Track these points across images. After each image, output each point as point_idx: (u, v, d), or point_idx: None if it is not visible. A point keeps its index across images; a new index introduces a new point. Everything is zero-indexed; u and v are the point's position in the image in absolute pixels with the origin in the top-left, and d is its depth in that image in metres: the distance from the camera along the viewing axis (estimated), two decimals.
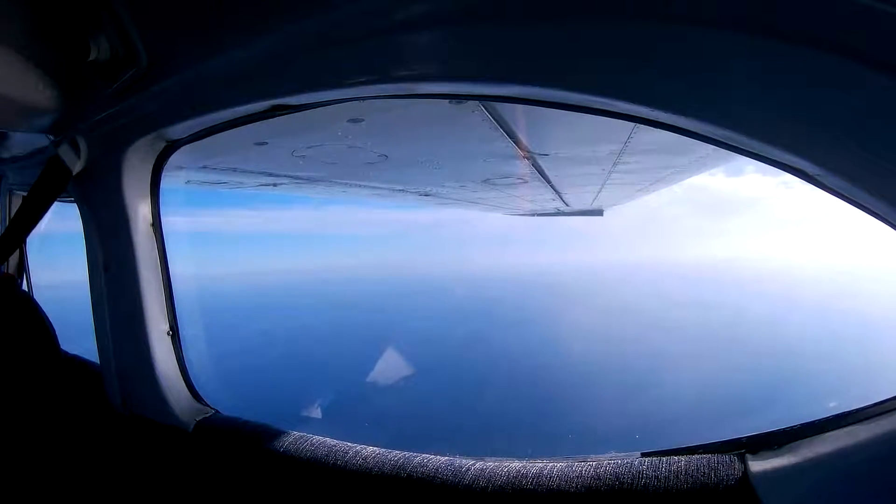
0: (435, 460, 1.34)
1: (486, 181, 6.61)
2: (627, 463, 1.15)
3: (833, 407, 0.96)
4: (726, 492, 1.01)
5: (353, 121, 3.24)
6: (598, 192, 8.05)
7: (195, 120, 1.60)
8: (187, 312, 2.05)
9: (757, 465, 1.01)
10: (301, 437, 1.58)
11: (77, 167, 1.80)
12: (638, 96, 0.89)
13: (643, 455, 1.18)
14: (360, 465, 1.41)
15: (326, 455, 1.48)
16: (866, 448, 0.88)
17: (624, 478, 1.11)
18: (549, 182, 6.52)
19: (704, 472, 1.06)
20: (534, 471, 1.21)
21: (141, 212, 1.82)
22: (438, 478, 1.29)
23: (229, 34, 1.32)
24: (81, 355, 2.36)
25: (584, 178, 6.56)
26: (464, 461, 1.32)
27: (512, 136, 3.78)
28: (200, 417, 1.82)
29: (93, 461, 2.01)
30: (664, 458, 1.13)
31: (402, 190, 7.76)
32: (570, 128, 3.70)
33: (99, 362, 2.01)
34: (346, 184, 6.73)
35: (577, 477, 1.16)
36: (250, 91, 1.40)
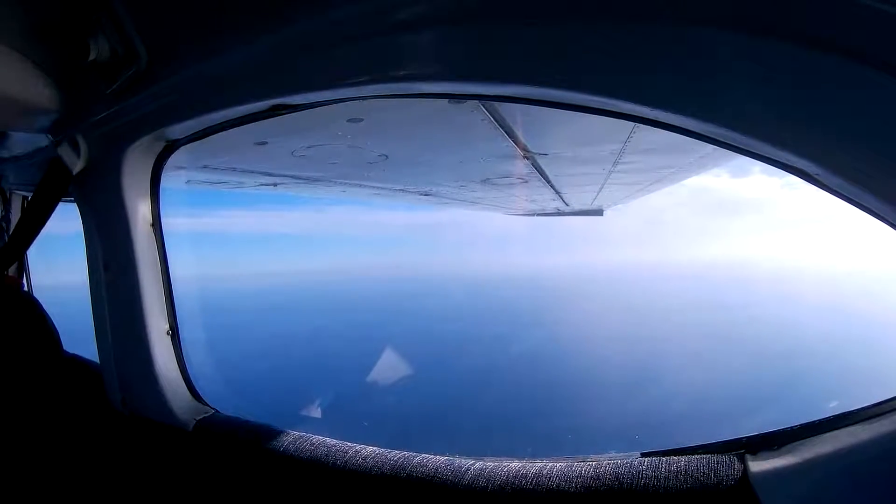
0: (435, 460, 1.34)
1: (485, 181, 6.61)
2: (627, 463, 1.15)
3: (833, 407, 0.96)
4: (726, 492, 1.01)
5: (353, 120, 3.24)
6: (599, 192, 8.05)
7: (195, 120, 1.60)
8: (188, 313, 2.05)
9: (757, 466, 1.01)
10: (301, 436, 1.58)
11: (77, 167, 1.80)
12: (638, 96, 0.89)
13: (643, 455, 1.18)
14: (359, 465, 1.41)
15: (326, 455, 1.48)
16: (866, 448, 0.88)
17: (624, 478, 1.11)
18: (548, 182, 6.52)
19: (704, 473, 1.05)
20: (533, 471, 1.21)
21: (141, 212, 1.82)
22: (438, 478, 1.29)
23: (229, 34, 1.32)
24: (82, 355, 2.37)
25: (584, 178, 6.56)
26: (463, 461, 1.32)
27: (512, 135, 3.78)
28: (200, 417, 1.82)
29: (93, 461, 2.01)
30: (664, 459, 1.13)
31: (402, 190, 7.76)
32: (570, 127, 3.70)
33: (99, 362, 2.01)
34: (346, 183, 6.72)
35: (577, 477, 1.16)
36: (250, 91, 1.40)
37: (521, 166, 5.32)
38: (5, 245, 2.02)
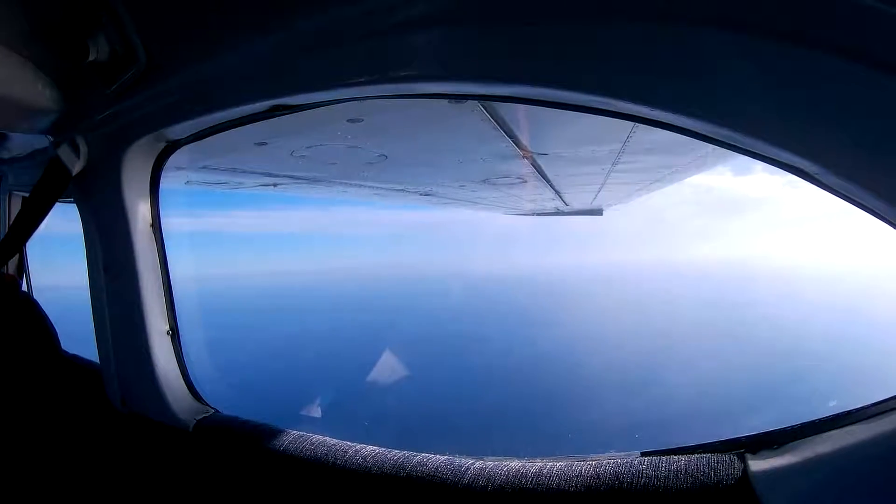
0: (434, 459, 1.34)
1: (485, 181, 6.61)
2: (627, 462, 1.15)
3: (833, 407, 0.96)
4: (726, 491, 1.01)
5: (353, 121, 3.24)
6: (598, 192, 8.05)
7: (195, 120, 1.60)
8: (188, 312, 2.05)
9: (757, 465, 1.01)
10: (301, 436, 1.58)
11: (77, 168, 1.80)
12: (638, 96, 0.89)
13: (643, 454, 1.18)
14: (359, 464, 1.41)
15: (326, 454, 1.48)
16: (866, 448, 0.88)
17: (624, 477, 1.11)
18: (548, 181, 6.52)
19: (704, 472, 1.05)
20: (533, 470, 1.21)
21: (141, 212, 1.82)
22: (438, 477, 1.29)
23: (229, 34, 1.32)
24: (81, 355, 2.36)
25: (584, 178, 6.56)
26: (463, 461, 1.32)
27: (511, 135, 3.79)
28: (200, 417, 1.82)
29: (93, 460, 2.01)
30: (664, 458, 1.13)
31: (402, 190, 7.76)
32: (569, 127, 3.70)
33: (99, 362, 2.01)
34: (345, 183, 6.73)
35: (577, 476, 1.16)
36: (250, 91, 1.40)
37: (521, 166, 5.33)
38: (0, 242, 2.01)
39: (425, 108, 2.95)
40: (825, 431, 0.96)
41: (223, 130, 1.68)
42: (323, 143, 4.03)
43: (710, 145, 0.98)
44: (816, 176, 0.82)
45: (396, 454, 1.40)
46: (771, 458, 1.01)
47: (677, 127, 0.93)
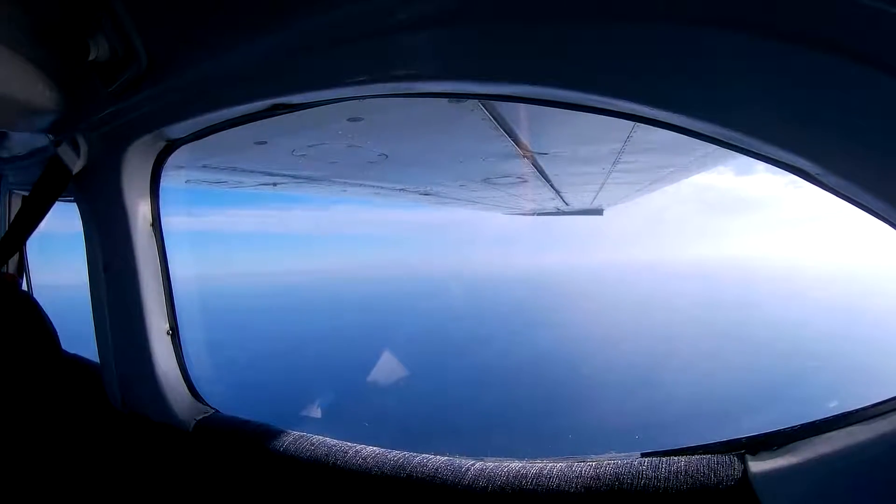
0: (435, 460, 1.35)
1: (485, 180, 6.62)
2: (627, 463, 1.15)
3: (833, 407, 0.96)
4: (726, 492, 1.01)
5: (353, 120, 3.25)
6: (598, 192, 8.06)
7: (195, 119, 1.60)
8: (188, 312, 2.05)
9: (757, 466, 1.01)
10: (301, 436, 1.58)
11: (77, 167, 1.80)
12: (638, 95, 0.89)
13: (643, 455, 1.18)
14: (359, 464, 1.41)
15: (326, 455, 1.48)
16: (866, 449, 0.88)
17: (624, 478, 1.11)
18: (548, 181, 6.53)
19: (704, 473, 1.06)
20: (534, 471, 1.21)
21: (141, 211, 1.82)
22: (438, 478, 1.29)
23: (229, 34, 1.32)
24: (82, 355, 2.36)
25: (584, 178, 6.57)
26: (464, 461, 1.32)
27: (511, 135, 3.79)
28: (200, 417, 1.82)
29: (93, 461, 2.01)
30: (664, 459, 1.13)
31: (403, 189, 7.78)
32: (570, 127, 3.71)
33: (98, 362, 2.01)
34: (345, 183, 6.74)
35: (577, 477, 1.16)
36: (250, 90, 1.40)
37: (521, 165, 5.33)
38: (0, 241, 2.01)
39: (425, 108, 2.95)
40: (825, 432, 0.96)
41: (223, 129, 1.68)
42: (323, 142, 4.04)
43: (711, 145, 0.98)
44: (817, 176, 0.82)
45: (396, 455, 1.40)
46: (771, 459, 1.01)
47: (677, 127, 0.93)
